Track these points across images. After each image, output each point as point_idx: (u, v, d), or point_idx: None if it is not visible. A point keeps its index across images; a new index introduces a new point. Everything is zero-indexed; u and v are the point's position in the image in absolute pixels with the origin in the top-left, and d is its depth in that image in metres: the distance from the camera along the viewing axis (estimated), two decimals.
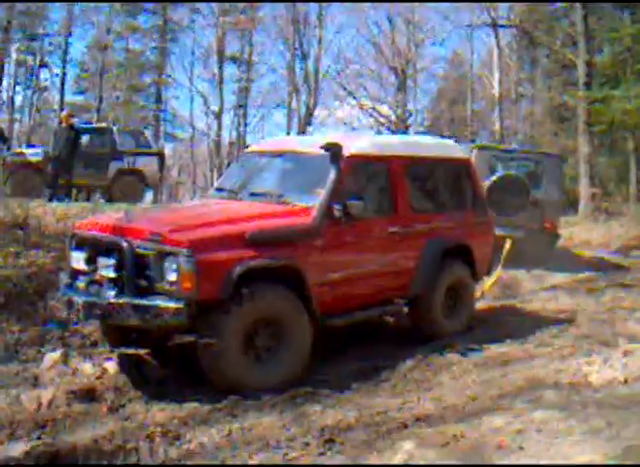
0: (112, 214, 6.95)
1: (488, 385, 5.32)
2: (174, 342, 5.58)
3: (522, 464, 3.81)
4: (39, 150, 15.86)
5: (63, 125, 13.59)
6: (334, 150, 6.06)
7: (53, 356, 5.96)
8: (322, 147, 6.08)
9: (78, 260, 5.70)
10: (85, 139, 15.58)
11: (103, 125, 19.14)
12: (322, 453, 4.15)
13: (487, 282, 8.71)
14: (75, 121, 14.71)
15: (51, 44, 35.80)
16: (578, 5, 21.00)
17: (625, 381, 5.16)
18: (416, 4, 31.79)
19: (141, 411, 4.90)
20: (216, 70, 34.45)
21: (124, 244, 5.26)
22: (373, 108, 34.22)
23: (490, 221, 7.84)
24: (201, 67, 36.26)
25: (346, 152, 6.18)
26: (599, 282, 10.36)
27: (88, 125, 17.82)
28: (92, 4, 32.50)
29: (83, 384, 5.31)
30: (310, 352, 5.62)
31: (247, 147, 8.19)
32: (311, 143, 6.71)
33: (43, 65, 36.20)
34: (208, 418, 4.69)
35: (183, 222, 5.64)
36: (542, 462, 3.76)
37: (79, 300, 5.40)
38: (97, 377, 5.50)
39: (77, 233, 5.91)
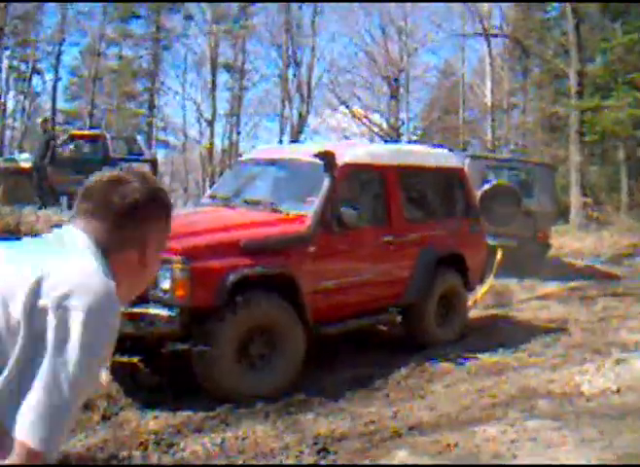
0: None
1: (482, 394, 5.33)
2: (168, 350, 5.56)
3: (517, 464, 3.83)
4: (30, 156, 15.79)
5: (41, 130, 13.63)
6: (328, 158, 6.05)
7: None
8: (316, 155, 6.08)
9: None
10: (69, 147, 15.55)
11: (96, 131, 19.10)
12: (316, 462, 4.14)
13: (480, 291, 8.73)
14: (50, 126, 14.67)
15: (43, 50, 35.77)
16: (570, 14, 21.10)
17: (618, 391, 5.18)
18: (408, 6, 31.83)
19: (134, 419, 4.87)
20: (209, 78, 34.53)
21: None
22: (366, 116, 34.29)
23: (483, 230, 7.87)
24: (194, 75, 36.38)
25: (340, 160, 6.18)
26: (591, 291, 10.40)
27: (82, 132, 17.78)
28: (87, 6, 32.47)
29: None
30: (304, 360, 5.61)
31: (240, 155, 8.20)
32: (305, 151, 6.72)
33: (35, 72, 36.13)
34: (202, 427, 4.68)
35: (177, 229, 5.60)
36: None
37: None
38: None
39: None
